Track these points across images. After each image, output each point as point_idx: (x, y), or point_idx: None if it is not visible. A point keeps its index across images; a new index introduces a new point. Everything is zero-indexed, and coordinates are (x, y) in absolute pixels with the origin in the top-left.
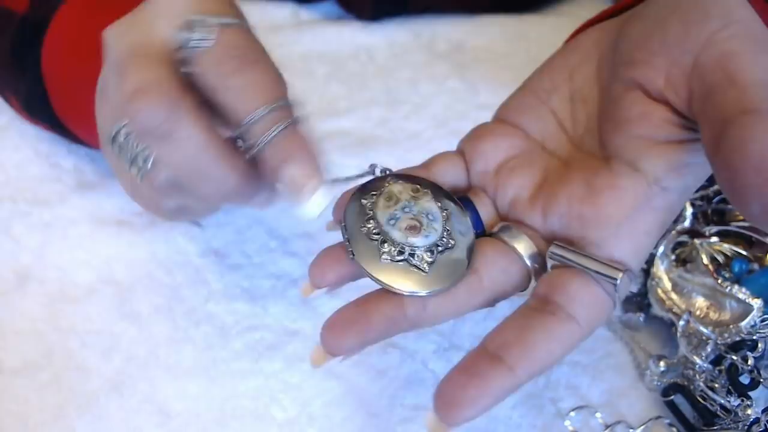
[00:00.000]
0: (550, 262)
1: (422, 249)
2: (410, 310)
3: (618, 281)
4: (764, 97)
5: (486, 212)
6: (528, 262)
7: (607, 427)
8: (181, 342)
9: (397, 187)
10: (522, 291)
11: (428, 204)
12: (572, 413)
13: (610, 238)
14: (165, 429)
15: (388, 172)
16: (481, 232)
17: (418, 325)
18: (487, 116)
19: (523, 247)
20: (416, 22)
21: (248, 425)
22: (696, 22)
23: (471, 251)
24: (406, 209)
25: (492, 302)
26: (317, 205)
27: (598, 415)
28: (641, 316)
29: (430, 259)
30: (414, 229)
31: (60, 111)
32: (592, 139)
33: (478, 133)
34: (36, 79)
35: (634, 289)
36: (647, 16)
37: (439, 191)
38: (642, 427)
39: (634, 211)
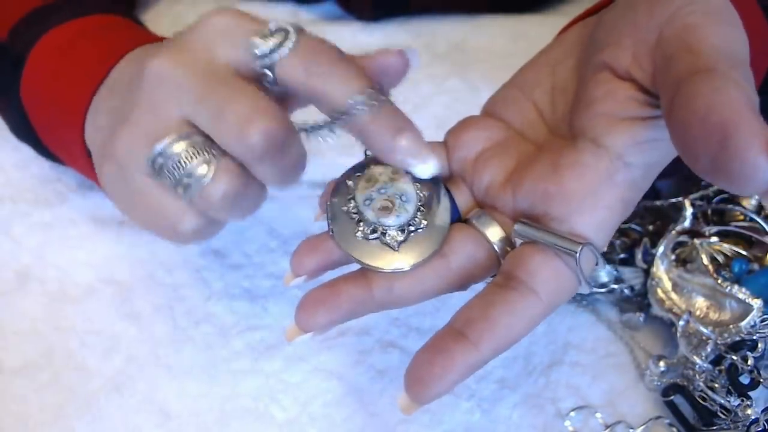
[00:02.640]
0: (517, 240)
1: (393, 228)
2: (377, 291)
3: (578, 253)
4: (717, 59)
5: (462, 199)
6: (496, 248)
7: (607, 427)
8: (181, 342)
9: (378, 169)
10: (493, 276)
11: (404, 186)
12: (572, 413)
13: (573, 214)
14: (165, 429)
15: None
16: (457, 218)
17: (385, 305)
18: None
19: (492, 232)
20: (416, 22)
21: (248, 425)
22: (661, 2)
23: (444, 234)
24: (382, 190)
25: (461, 286)
26: (434, 165)
27: (598, 415)
28: (641, 316)
29: (400, 238)
30: (386, 210)
31: (45, 141)
32: (566, 125)
33: (461, 125)
34: (18, 108)
35: (601, 267)
36: (620, 4)
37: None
38: (642, 427)
39: (597, 186)
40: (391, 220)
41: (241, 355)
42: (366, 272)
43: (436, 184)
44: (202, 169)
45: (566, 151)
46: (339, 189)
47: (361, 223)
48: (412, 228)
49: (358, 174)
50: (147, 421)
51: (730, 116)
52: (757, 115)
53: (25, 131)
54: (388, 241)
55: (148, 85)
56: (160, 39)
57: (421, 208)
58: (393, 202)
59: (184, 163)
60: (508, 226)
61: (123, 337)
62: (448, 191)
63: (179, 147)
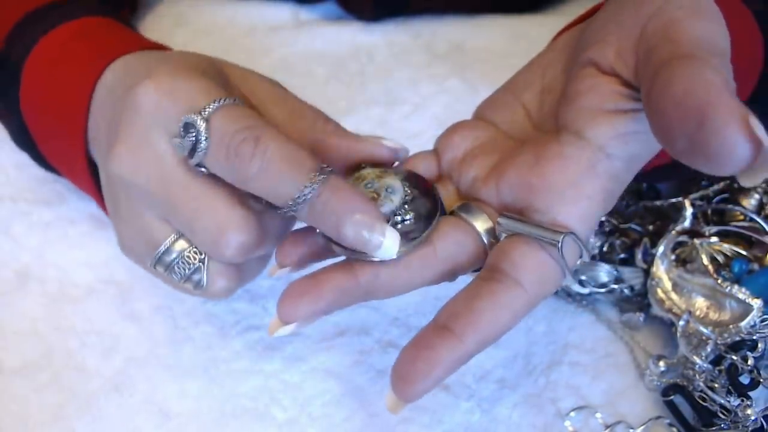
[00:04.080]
0: (501, 233)
1: None
2: (362, 279)
3: (560, 242)
4: (696, 47)
5: (449, 196)
6: (484, 237)
7: (607, 427)
8: (181, 342)
9: (367, 170)
10: (481, 267)
11: (390, 180)
12: (572, 413)
13: (555, 205)
14: (165, 429)
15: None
16: (443, 213)
17: (371, 294)
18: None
19: (479, 222)
20: (416, 22)
21: (248, 425)
22: (647, 1)
23: (431, 225)
24: (369, 185)
25: (448, 276)
26: (393, 244)
27: (598, 415)
28: (641, 316)
29: None
30: (372, 201)
31: (43, 151)
32: (552, 122)
33: (449, 130)
34: (18, 118)
35: (587, 258)
36: (608, 6)
37: (412, 178)
38: (642, 427)
39: (578, 177)
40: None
41: (241, 355)
42: (351, 262)
43: (423, 183)
44: (200, 271)
45: (549, 144)
46: None
47: None
48: (398, 219)
49: (348, 178)
50: (147, 421)
51: (707, 97)
52: (733, 96)
53: (25, 141)
54: None
55: (118, 185)
56: (147, 42)
57: (408, 203)
58: (379, 193)
59: (185, 264)
60: (493, 217)
61: (123, 337)
62: (435, 191)
63: (177, 247)
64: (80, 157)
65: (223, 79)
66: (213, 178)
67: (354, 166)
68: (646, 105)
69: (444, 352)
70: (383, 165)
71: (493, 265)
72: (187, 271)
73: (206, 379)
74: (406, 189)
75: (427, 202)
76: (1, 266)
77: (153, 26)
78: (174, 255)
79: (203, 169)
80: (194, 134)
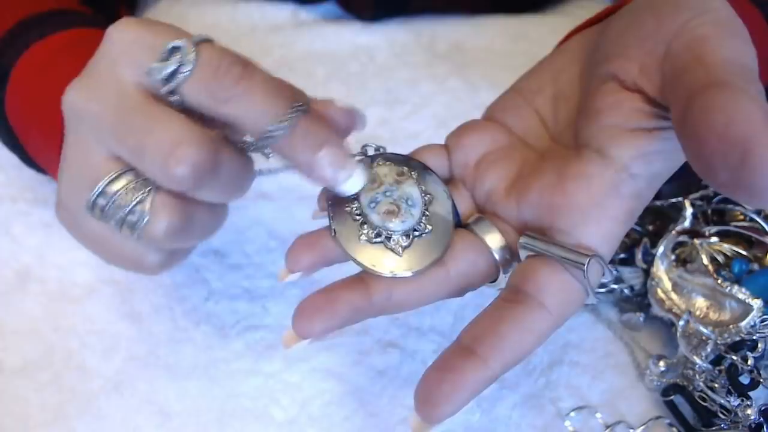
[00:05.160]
0: (522, 253)
1: (398, 233)
2: (376, 297)
3: (585, 266)
4: (730, 72)
5: (463, 204)
6: (496, 255)
7: (607, 427)
8: (181, 342)
9: (383, 170)
10: (492, 282)
11: (410, 189)
12: (572, 413)
13: (579, 225)
14: (165, 429)
15: (381, 150)
16: (458, 222)
17: (383, 311)
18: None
19: (493, 240)
20: (416, 22)
21: (248, 425)
22: (669, 14)
23: (448, 240)
24: (387, 193)
25: (459, 292)
26: (359, 180)
27: (598, 415)
28: (641, 316)
29: (405, 243)
30: (392, 214)
31: (33, 156)
32: (569, 134)
33: (463, 128)
34: (5, 125)
35: (608, 278)
36: (624, 15)
37: (426, 174)
38: (642, 427)
39: (602, 198)
40: (397, 225)
41: (241, 355)
42: (364, 277)
43: (438, 186)
44: (141, 207)
45: (571, 162)
46: None
47: (365, 226)
48: (416, 233)
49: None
50: (147, 421)
51: (750, 131)
52: None
53: (12, 143)
54: (392, 246)
55: (69, 123)
56: None
57: (426, 213)
58: (399, 206)
59: (123, 202)
60: (509, 233)
61: (123, 337)
62: (451, 195)
63: (116, 185)
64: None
65: None
66: (172, 107)
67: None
68: (680, 130)
69: (470, 375)
70: (395, 156)
71: (516, 287)
72: (125, 210)
73: (206, 379)
74: (425, 197)
75: (444, 211)
76: (1, 266)
77: None
78: (113, 192)
79: (172, 98)
80: (179, 57)
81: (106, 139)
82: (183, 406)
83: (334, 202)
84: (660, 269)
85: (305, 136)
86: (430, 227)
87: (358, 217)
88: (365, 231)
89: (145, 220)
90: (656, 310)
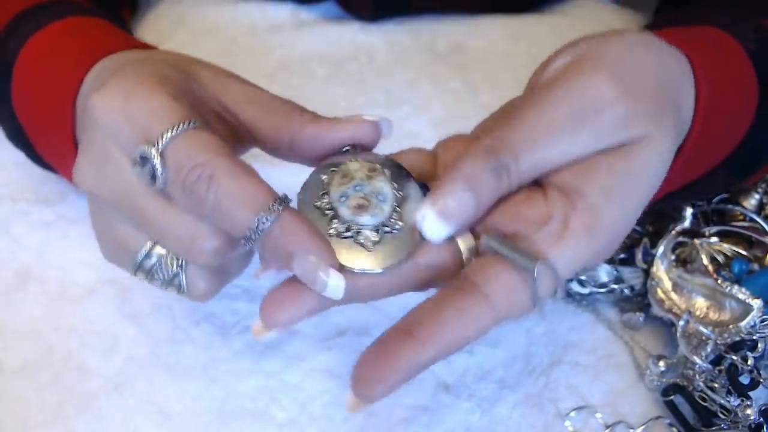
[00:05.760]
0: (483, 251)
1: (368, 228)
2: None
3: (534, 268)
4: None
5: None
6: (464, 254)
7: (607, 427)
8: (181, 342)
9: (354, 165)
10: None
11: (381, 184)
12: (572, 413)
13: (539, 237)
14: (165, 429)
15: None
16: None
17: (352, 299)
18: (487, 116)
19: (462, 240)
20: (416, 23)
21: (248, 425)
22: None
23: (418, 237)
24: (358, 188)
25: (423, 287)
26: (337, 288)
27: (598, 415)
28: (641, 316)
29: (374, 239)
30: (362, 208)
31: (38, 148)
32: None
33: (452, 138)
34: (12, 116)
35: (561, 294)
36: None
37: (399, 172)
38: (642, 427)
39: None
40: (367, 220)
41: (241, 355)
42: None
43: (412, 185)
44: (180, 274)
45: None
46: (311, 183)
47: (335, 220)
48: (387, 229)
49: (333, 169)
50: (147, 421)
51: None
52: None
53: (20, 139)
54: (362, 241)
55: (90, 200)
56: (134, 42)
57: (397, 209)
58: (369, 200)
59: (166, 267)
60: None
61: (123, 337)
62: (428, 190)
63: (159, 251)
64: (70, 153)
65: (189, 83)
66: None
67: (335, 152)
68: None
69: (404, 357)
70: (366, 148)
71: (466, 277)
72: (167, 276)
73: (206, 379)
74: (396, 192)
75: (416, 208)
76: (1, 266)
77: (153, 26)
78: (153, 260)
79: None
80: (150, 167)
81: (128, 221)
82: (183, 406)
83: (304, 198)
84: (660, 269)
85: (275, 249)
86: (400, 224)
87: (328, 212)
88: (334, 225)
89: (184, 287)
90: (656, 310)
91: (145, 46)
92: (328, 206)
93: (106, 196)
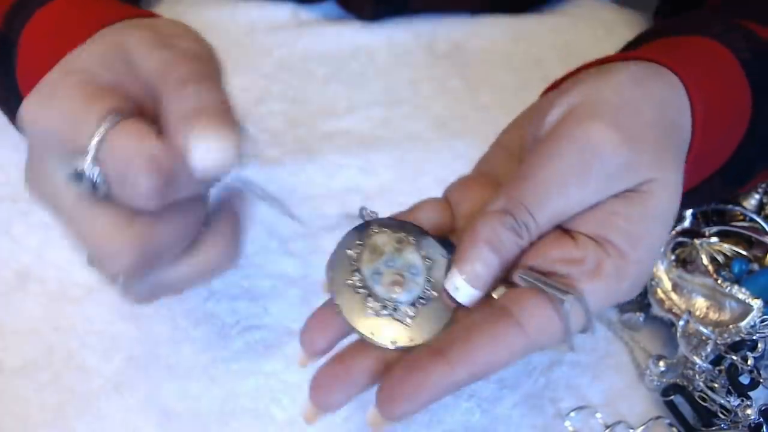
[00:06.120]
0: (518, 284)
1: (405, 304)
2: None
3: (566, 300)
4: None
5: None
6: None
7: (607, 427)
8: (181, 342)
9: (381, 239)
10: None
11: (411, 256)
12: (572, 413)
13: (577, 275)
14: (165, 429)
15: (373, 217)
16: None
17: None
18: (487, 116)
19: (497, 291)
20: (416, 22)
21: (248, 425)
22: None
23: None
24: (390, 263)
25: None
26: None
27: (598, 415)
28: (641, 316)
29: (412, 314)
30: (397, 284)
31: None
32: None
33: (462, 182)
34: (17, 96)
35: (592, 331)
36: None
37: (424, 238)
38: (642, 427)
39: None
40: (403, 296)
41: (241, 355)
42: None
43: (437, 250)
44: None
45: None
46: (339, 260)
47: (370, 298)
48: (423, 301)
49: (359, 242)
50: (147, 421)
51: None
52: None
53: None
54: (400, 317)
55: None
56: (138, 11)
57: (429, 279)
58: (403, 275)
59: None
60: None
61: (123, 337)
62: (453, 245)
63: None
64: None
65: (123, 65)
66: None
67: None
68: None
69: (433, 377)
70: (390, 222)
71: (501, 304)
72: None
73: (206, 379)
74: (426, 261)
75: (443, 269)
76: (1, 266)
77: None
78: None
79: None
80: (91, 179)
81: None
82: (183, 406)
83: (335, 276)
84: (660, 269)
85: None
86: (435, 293)
87: (361, 290)
88: (371, 305)
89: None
90: (656, 310)
91: (149, 14)
92: (360, 284)
93: (42, 202)
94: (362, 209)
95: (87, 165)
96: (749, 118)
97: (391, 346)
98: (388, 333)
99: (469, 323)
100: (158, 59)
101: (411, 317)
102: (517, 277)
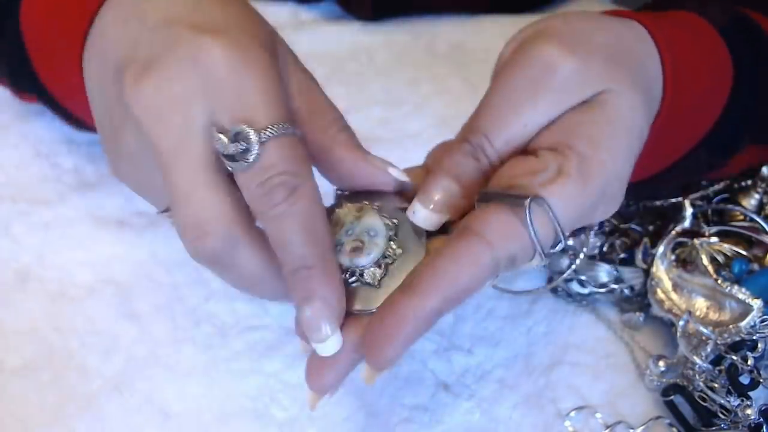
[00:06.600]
0: (478, 204)
1: (369, 266)
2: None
3: (527, 205)
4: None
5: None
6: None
7: (607, 427)
8: (181, 342)
9: (342, 211)
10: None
11: (370, 220)
12: (572, 413)
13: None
14: (165, 429)
15: (344, 194)
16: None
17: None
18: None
19: None
20: (416, 22)
21: (248, 425)
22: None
23: (421, 256)
24: (349, 231)
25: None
26: (332, 346)
27: (598, 415)
28: (641, 316)
29: (380, 274)
30: (357, 251)
31: (45, 79)
32: None
33: (438, 144)
34: (17, 44)
35: (562, 245)
36: (507, 78)
37: (390, 201)
38: (642, 427)
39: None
40: (364, 260)
41: (241, 355)
42: (350, 318)
43: (401, 210)
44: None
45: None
46: None
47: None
48: (389, 261)
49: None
50: (147, 421)
51: None
52: None
53: (24, 71)
54: (369, 281)
55: (129, 123)
56: None
57: (393, 237)
58: (362, 240)
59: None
60: None
61: (123, 337)
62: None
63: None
64: (75, 72)
65: (275, 57)
66: (224, 176)
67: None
68: None
69: (407, 314)
70: (359, 196)
71: (462, 225)
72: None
73: (206, 379)
74: (388, 222)
75: (414, 229)
76: (1, 266)
77: None
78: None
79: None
80: (244, 149)
81: (157, 174)
82: (183, 406)
83: None
84: (660, 269)
85: (296, 285)
86: (400, 250)
87: None
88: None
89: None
90: (656, 310)
91: None
92: None
93: (152, 137)
94: (337, 190)
95: (254, 139)
96: (731, 84)
97: (369, 309)
98: (362, 298)
99: (434, 252)
100: (303, 81)
101: (380, 278)
102: (477, 199)
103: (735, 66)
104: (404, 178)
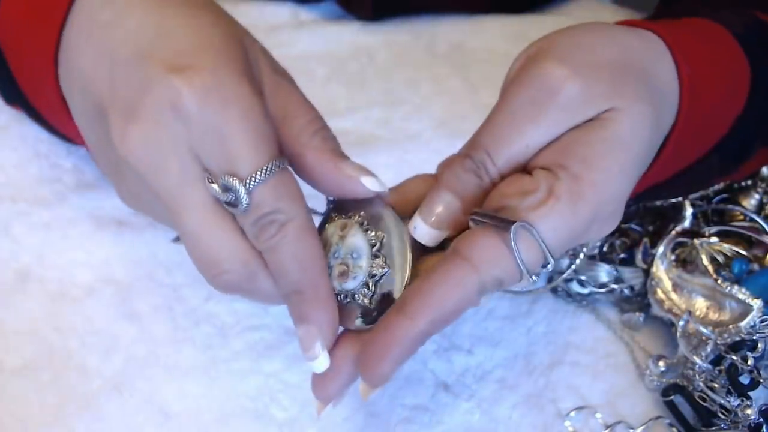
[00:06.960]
0: (472, 225)
1: (357, 289)
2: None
3: (512, 230)
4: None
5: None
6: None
7: (607, 427)
8: (181, 342)
9: (330, 229)
10: None
11: (352, 240)
12: (572, 413)
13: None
14: (165, 429)
15: (332, 201)
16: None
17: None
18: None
19: None
20: (416, 22)
21: (248, 425)
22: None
23: (407, 271)
24: (336, 254)
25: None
26: (321, 364)
27: (598, 415)
28: (641, 316)
29: (369, 294)
30: (344, 275)
31: (29, 96)
32: None
33: (450, 156)
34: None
35: (551, 263)
36: (513, 97)
37: (378, 212)
38: (642, 427)
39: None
40: (351, 284)
41: (241, 355)
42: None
43: (391, 220)
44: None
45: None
46: None
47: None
48: (376, 278)
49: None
50: (147, 421)
51: None
52: None
53: (10, 88)
54: (360, 302)
55: (124, 167)
56: None
57: (377, 253)
58: (347, 264)
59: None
60: None
61: (123, 337)
62: (401, 221)
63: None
64: (49, 77)
65: (252, 79)
66: (223, 209)
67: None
68: None
69: (398, 334)
70: (347, 206)
71: (452, 248)
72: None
73: (206, 379)
74: (372, 237)
75: (398, 241)
76: (1, 266)
77: None
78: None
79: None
80: (234, 198)
81: (157, 205)
82: (183, 406)
83: None
84: (660, 269)
85: (291, 308)
86: (385, 268)
87: None
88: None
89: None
90: (656, 310)
91: None
92: None
93: (149, 181)
94: (327, 197)
95: (241, 189)
96: (748, 90)
97: (353, 328)
98: (353, 317)
99: (425, 275)
100: (277, 84)
101: (370, 298)
102: (470, 222)
103: (752, 72)
104: (379, 188)
